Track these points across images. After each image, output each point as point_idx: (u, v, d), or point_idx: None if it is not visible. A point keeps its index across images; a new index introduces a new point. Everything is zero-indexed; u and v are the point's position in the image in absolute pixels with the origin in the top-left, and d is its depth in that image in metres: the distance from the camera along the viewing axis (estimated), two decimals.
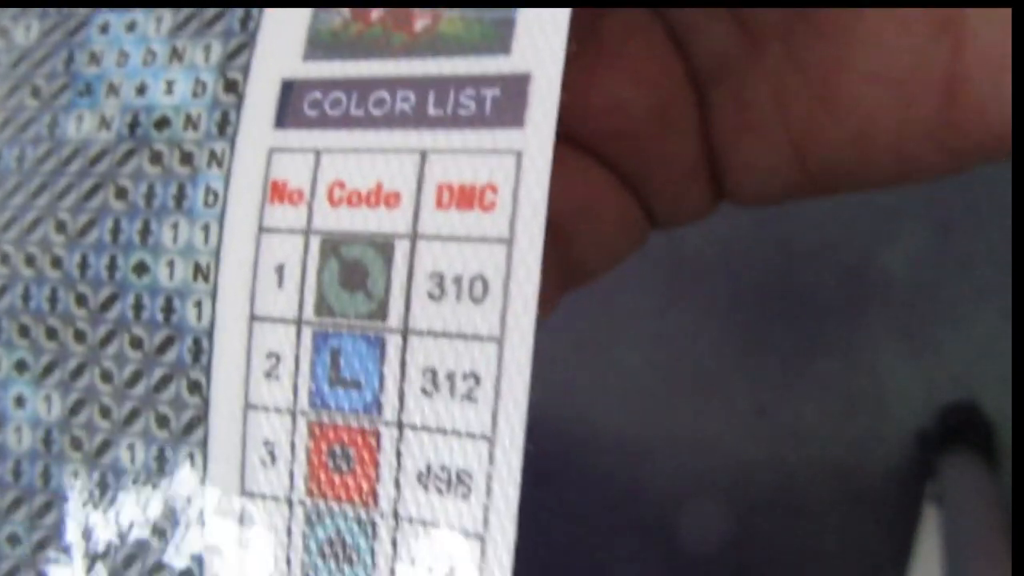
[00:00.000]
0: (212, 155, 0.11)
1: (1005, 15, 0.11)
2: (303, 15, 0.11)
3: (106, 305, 0.12)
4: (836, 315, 0.78)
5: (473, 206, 0.10)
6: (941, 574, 0.57)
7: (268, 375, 0.11)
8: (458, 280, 0.10)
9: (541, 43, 0.10)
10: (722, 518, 0.76)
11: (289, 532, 0.11)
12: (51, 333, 0.12)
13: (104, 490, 0.12)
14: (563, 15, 0.10)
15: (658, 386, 0.79)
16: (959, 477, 0.67)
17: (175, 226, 0.11)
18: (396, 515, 0.10)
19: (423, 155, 0.10)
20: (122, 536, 0.12)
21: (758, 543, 0.76)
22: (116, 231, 0.12)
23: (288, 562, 0.11)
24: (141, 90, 0.12)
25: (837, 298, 0.78)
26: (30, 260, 0.12)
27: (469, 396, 0.10)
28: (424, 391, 0.10)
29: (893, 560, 0.71)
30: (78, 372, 0.12)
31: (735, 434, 0.77)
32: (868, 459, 0.76)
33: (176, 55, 0.12)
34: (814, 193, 0.13)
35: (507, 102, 0.10)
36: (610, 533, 0.77)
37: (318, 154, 0.11)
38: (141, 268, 0.12)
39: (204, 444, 0.11)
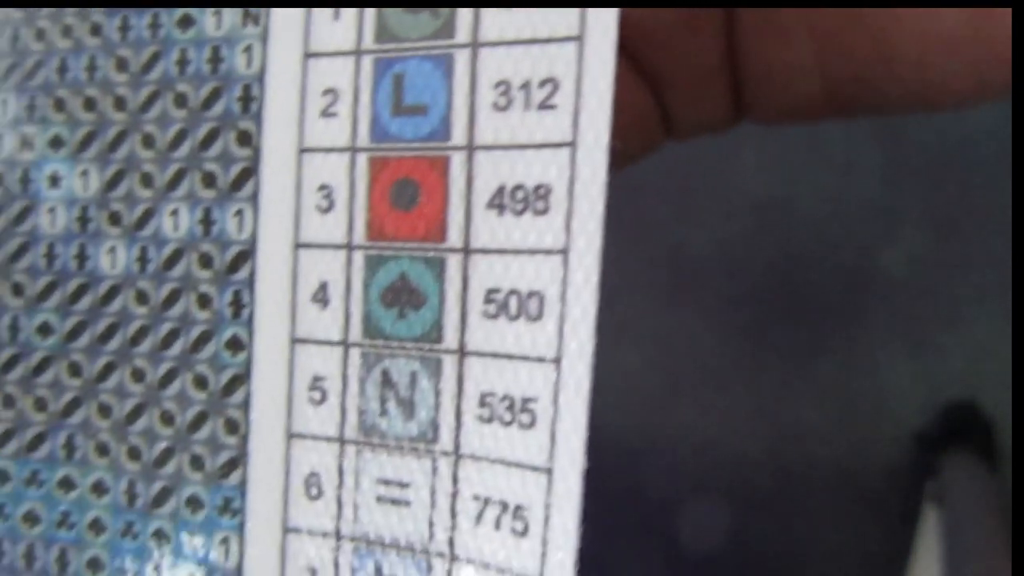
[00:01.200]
0: None
1: None
2: None
3: (148, 65, 0.11)
4: (836, 315, 0.78)
5: None
6: (941, 574, 0.57)
7: (324, 113, 0.10)
8: None
9: None
10: (722, 518, 0.76)
11: (348, 283, 0.10)
12: (89, 104, 0.12)
13: (144, 266, 0.11)
14: None
15: (658, 386, 0.79)
16: (959, 477, 0.67)
17: None
18: (467, 248, 0.09)
19: None
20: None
21: (758, 543, 0.76)
22: None
23: (347, 315, 0.10)
24: None
25: (837, 298, 0.78)
26: (67, 31, 0.12)
27: (547, 104, 0.09)
28: (496, 106, 0.09)
29: (893, 560, 0.71)
30: (118, 141, 0.11)
31: (735, 434, 0.77)
32: (868, 459, 0.76)
33: None
34: (834, 110, 0.13)
35: None
36: (610, 533, 0.77)
37: None
38: (186, 21, 0.11)
39: (254, 198, 0.11)
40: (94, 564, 0.11)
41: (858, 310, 0.77)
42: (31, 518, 0.11)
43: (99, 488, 0.11)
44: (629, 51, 0.12)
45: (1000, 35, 0.10)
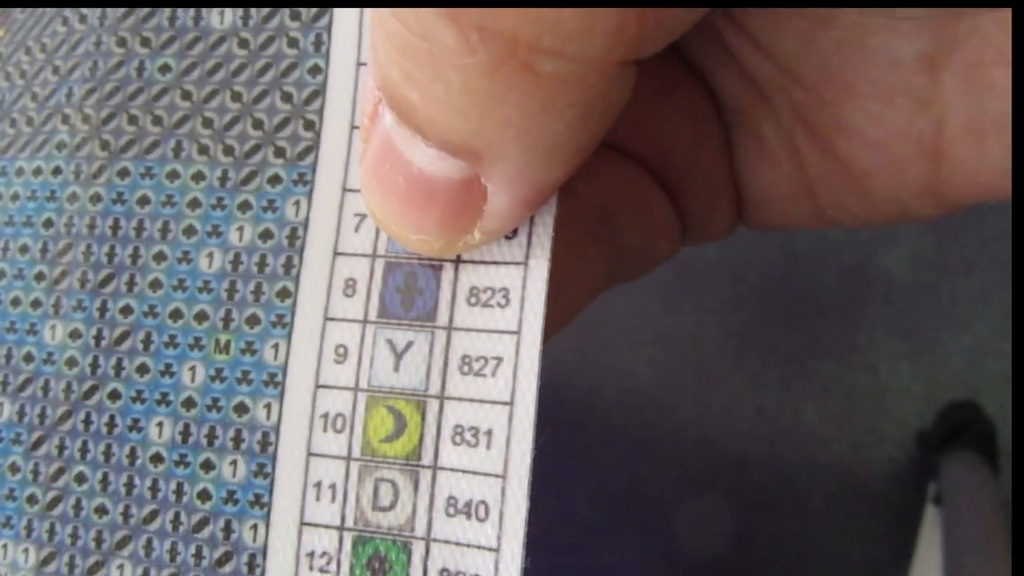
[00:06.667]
0: None
1: (980, 89, 0.12)
2: None
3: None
4: (836, 315, 0.78)
5: None
6: (942, 574, 0.57)
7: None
8: None
9: None
10: (722, 518, 0.76)
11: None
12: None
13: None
14: None
15: (658, 386, 0.79)
16: (959, 477, 0.67)
17: None
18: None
19: None
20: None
21: (758, 543, 0.76)
22: None
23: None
24: None
25: (837, 298, 0.78)
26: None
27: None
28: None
29: (894, 560, 0.71)
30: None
31: (735, 434, 0.77)
32: (868, 459, 0.76)
33: None
34: (826, 225, 0.14)
35: None
36: (610, 533, 0.77)
37: None
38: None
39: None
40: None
41: (858, 310, 0.78)
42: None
43: (199, 176, 0.13)
44: (650, 165, 0.14)
45: (957, 178, 0.12)
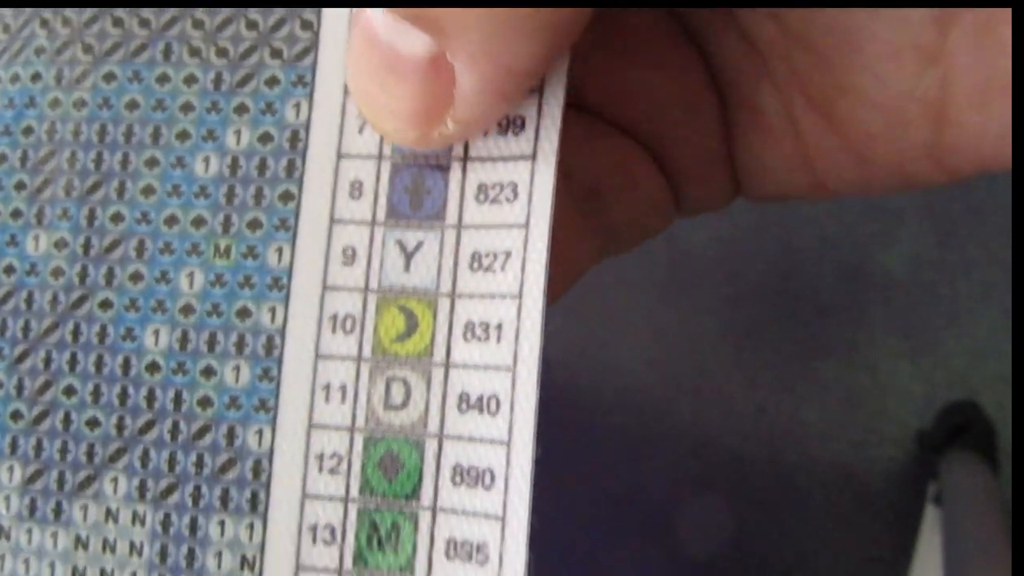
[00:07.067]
0: None
1: (989, 47, 0.11)
2: None
3: None
4: (836, 315, 0.78)
5: None
6: (941, 574, 0.57)
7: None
8: None
9: None
10: (722, 518, 0.76)
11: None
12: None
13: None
14: None
15: (658, 386, 0.79)
16: (959, 477, 0.67)
17: None
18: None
19: None
20: None
21: (758, 543, 0.76)
22: None
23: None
24: None
25: (837, 298, 0.78)
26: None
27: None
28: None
29: (894, 560, 0.71)
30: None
31: (735, 434, 0.77)
32: (868, 459, 0.76)
33: None
34: (824, 196, 0.14)
35: None
36: (610, 533, 0.77)
37: None
38: None
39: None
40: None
41: (858, 310, 0.78)
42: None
43: (191, 79, 0.13)
44: (641, 136, 0.14)
45: (961, 141, 0.12)
